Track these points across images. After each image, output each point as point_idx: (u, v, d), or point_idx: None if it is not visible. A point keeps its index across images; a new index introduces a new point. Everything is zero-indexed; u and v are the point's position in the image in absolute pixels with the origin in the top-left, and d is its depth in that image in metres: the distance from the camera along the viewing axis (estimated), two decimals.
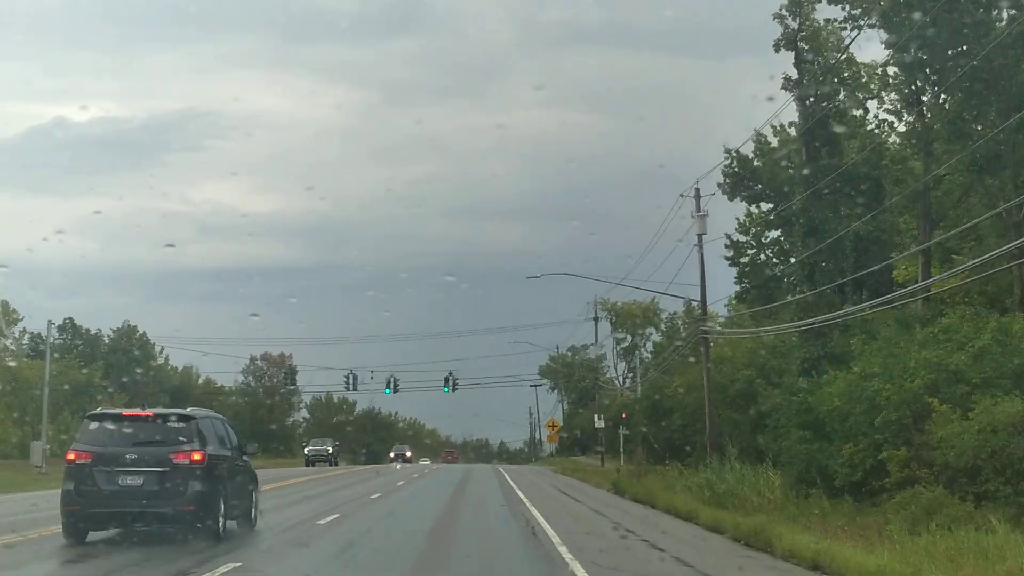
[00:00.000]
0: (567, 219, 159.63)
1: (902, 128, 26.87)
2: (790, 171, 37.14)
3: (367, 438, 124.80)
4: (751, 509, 22.47)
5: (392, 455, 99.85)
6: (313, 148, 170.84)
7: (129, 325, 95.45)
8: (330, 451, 78.07)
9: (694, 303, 39.03)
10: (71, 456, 17.15)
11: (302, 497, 31.09)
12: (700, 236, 36.86)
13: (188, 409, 19.19)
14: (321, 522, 22.31)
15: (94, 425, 17.57)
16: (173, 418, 17.73)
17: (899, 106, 26.74)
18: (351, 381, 78.33)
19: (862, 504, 20.81)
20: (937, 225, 26.26)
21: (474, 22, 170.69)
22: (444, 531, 21.11)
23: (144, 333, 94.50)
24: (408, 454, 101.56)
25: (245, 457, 20.24)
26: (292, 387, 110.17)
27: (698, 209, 36.69)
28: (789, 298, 36.13)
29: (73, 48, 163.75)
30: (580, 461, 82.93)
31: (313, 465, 72.28)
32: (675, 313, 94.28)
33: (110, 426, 17.42)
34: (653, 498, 28.21)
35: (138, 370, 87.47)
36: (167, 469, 16.77)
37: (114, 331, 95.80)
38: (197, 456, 16.96)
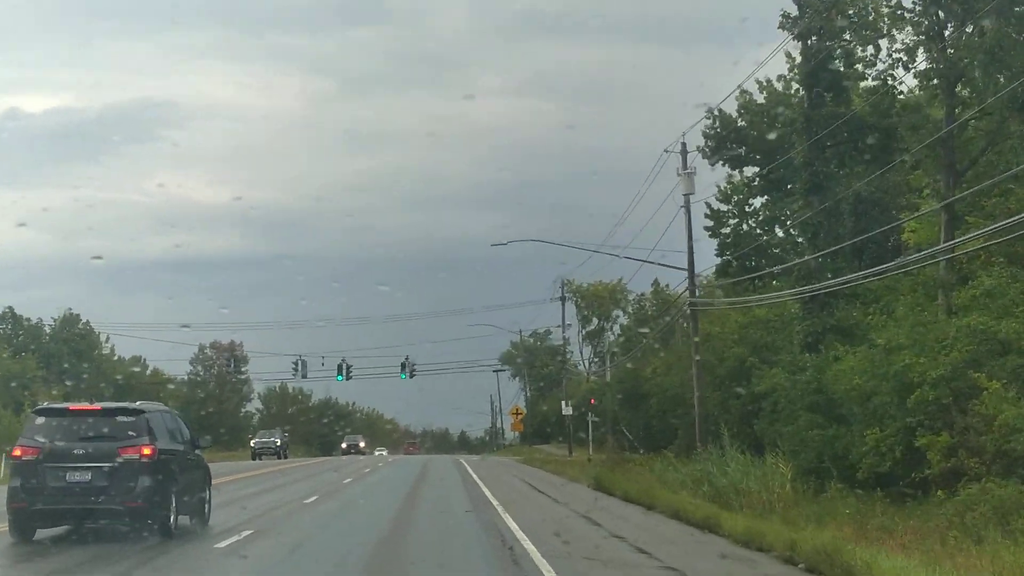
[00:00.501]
0: (531, 208, 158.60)
1: (921, 65, 24.23)
2: (780, 128, 34.91)
3: (322, 429, 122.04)
4: (760, 507, 19.88)
5: (344, 446, 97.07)
6: (272, 138, 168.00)
7: (71, 313, 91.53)
8: (278, 443, 74.61)
9: (680, 271, 36.13)
10: (17, 452, 16.99)
11: (219, 503, 21.86)
12: (687, 196, 34.10)
13: (137, 403, 18.70)
14: (223, 545, 16.92)
15: (41, 420, 17.35)
16: (122, 412, 17.52)
17: (913, 44, 24.21)
18: (300, 367, 75.15)
19: (895, 499, 18.67)
20: (961, 178, 24.03)
21: (434, 11, 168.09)
22: (392, 552, 16.31)
23: (88, 322, 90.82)
24: (361, 444, 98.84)
25: (197, 451, 19.93)
26: (241, 375, 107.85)
27: (684, 166, 33.90)
28: (776, 268, 33.77)
29: (28, 38, 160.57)
30: (545, 451, 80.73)
31: (260, 459, 68.75)
32: (642, 294, 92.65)
33: (57, 421, 17.15)
34: (651, 498, 23.78)
35: (83, 363, 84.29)
36: (116, 464, 16.50)
37: (55, 320, 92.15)
38: (147, 451, 16.71)
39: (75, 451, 16.51)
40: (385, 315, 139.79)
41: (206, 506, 19.65)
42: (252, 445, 74.76)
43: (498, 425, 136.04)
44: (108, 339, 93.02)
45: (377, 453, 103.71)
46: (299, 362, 75.04)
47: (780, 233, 43.15)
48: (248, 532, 18.33)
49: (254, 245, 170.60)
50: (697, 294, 36.41)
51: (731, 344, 34.65)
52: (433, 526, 20.46)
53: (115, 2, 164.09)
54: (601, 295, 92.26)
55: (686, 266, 34.94)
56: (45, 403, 19.22)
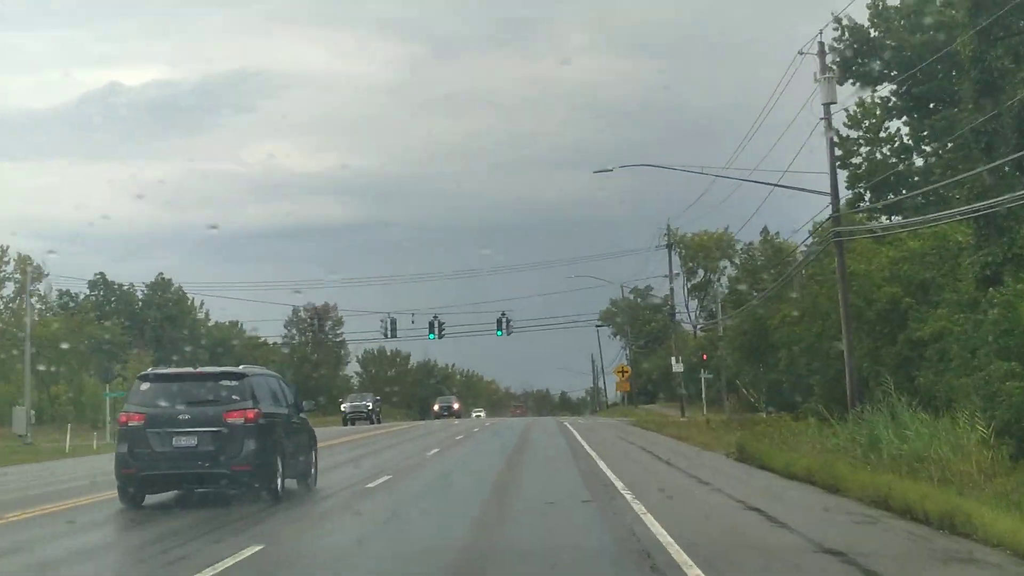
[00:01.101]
0: (620, 168, 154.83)
1: None
2: (927, 31, 30.97)
3: (422, 391, 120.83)
4: (963, 482, 15.47)
5: (436, 408, 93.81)
6: (367, 106, 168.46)
7: (163, 278, 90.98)
8: (370, 407, 72.14)
9: (815, 201, 32.29)
10: (123, 418, 17.28)
11: None
12: (827, 106, 28.81)
13: (240, 366, 19.00)
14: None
15: (145, 386, 17.53)
16: (226, 376, 17.77)
17: None
18: (388, 326, 72.77)
19: None
20: None
21: None
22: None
23: (180, 287, 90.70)
24: (455, 406, 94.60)
25: (302, 415, 20.23)
26: (337, 338, 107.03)
27: (822, 70, 28.61)
28: (944, 183, 29.86)
29: (123, 11, 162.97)
30: (654, 411, 77.55)
31: (353, 423, 66.84)
32: (751, 244, 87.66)
33: (162, 386, 17.40)
34: (832, 476, 17.60)
35: (176, 329, 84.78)
36: (221, 428, 16.72)
37: (147, 285, 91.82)
38: (251, 414, 16.93)
39: (180, 416, 16.76)
40: (480, 268, 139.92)
41: (312, 469, 20.06)
42: (343, 410, 71.74)
43: (600, 384, 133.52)
44: (202, 304, 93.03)
45: (474, 415, 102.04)
46: (387, 320, 72.91)
47: (920, 161, 39.59)
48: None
49: (355, 212, 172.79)
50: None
51: (880, 283, 30.48)
52: (539, 525, 13.88)
53: None
54: (707, 245, 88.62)
55: (825, 190, 29.90)
56: (150, 369, 19.49)
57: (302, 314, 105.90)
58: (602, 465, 23.76)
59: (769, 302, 44.23)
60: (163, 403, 16.97)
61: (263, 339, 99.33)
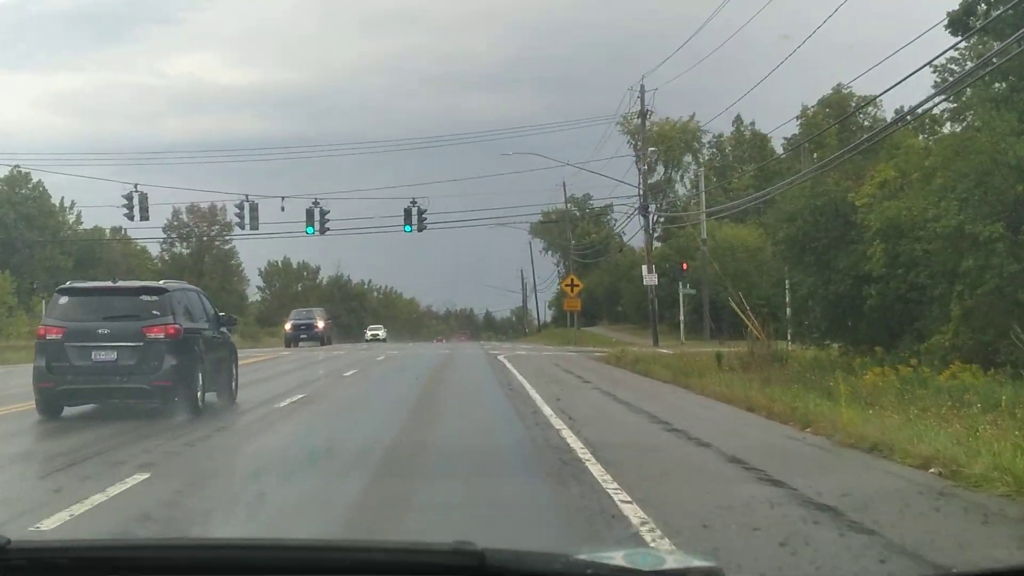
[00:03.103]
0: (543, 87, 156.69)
1: None
2: None
3: (336, 310, 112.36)
4: None
5: (368, 336, 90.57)
6: (292, 18, 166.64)
7: (19, 171, 78.31)
8: (321, 326, 64.26)
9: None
10: (41, 332, 18.12)
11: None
12: None
13: (161, 281, 20.09)
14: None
15: (64, 299, 18.39)
16: (145, 291, 18.65)
17: None
18: (247, 213, 53.36)
19: None
20: None
21: None
22: None
23: (40, 181, 79.23)
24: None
25: (223, 329, 21.19)
26: (227, 245, 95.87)
27: None
28: None
29: None
30: (602, 336, 66.37)
31: (296, 345, 59.74)
32: (720, 136, 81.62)
33: (80, 300, 18.31)
34: None
35: (35, 231, 75.62)
36: (141, 343, 17.56)
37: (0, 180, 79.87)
38: (171, 329, 17.79)
39: (100, 331, 17.56)
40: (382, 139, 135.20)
41: (232, 383, 21.09)
42: (287, 329, 63.28)
43: (530, 305, 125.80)
44: (72, 205, 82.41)
45: (369, 335, 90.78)
46: (245, 205, 53.18)
47: None
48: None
49: (275, 127, 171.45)
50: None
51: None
52: None
53: None
54: (669, 136, 77.15)
55: None
56: (68, 283, 19.85)
57: (183, 216, 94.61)
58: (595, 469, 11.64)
59: (841, 172, 30.70)
60: (82, 317, 17.70)
61: (139, 244, 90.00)
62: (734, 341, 34.19)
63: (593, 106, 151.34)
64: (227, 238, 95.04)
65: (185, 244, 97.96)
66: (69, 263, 77.58)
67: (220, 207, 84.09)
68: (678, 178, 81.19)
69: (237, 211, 54.04)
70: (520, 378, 27.54)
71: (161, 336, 17.50)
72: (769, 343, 28.46)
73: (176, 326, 17.74)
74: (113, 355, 17.35)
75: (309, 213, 53.33)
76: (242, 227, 55.16)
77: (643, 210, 56.76)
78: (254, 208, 53.27)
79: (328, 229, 55.08)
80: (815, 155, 36.87)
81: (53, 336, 17.55)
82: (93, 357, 17.34)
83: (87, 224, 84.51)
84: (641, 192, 57.26)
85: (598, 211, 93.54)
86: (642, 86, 54.88)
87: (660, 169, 78.83)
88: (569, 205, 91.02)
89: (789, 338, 33.34)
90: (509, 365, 33.81)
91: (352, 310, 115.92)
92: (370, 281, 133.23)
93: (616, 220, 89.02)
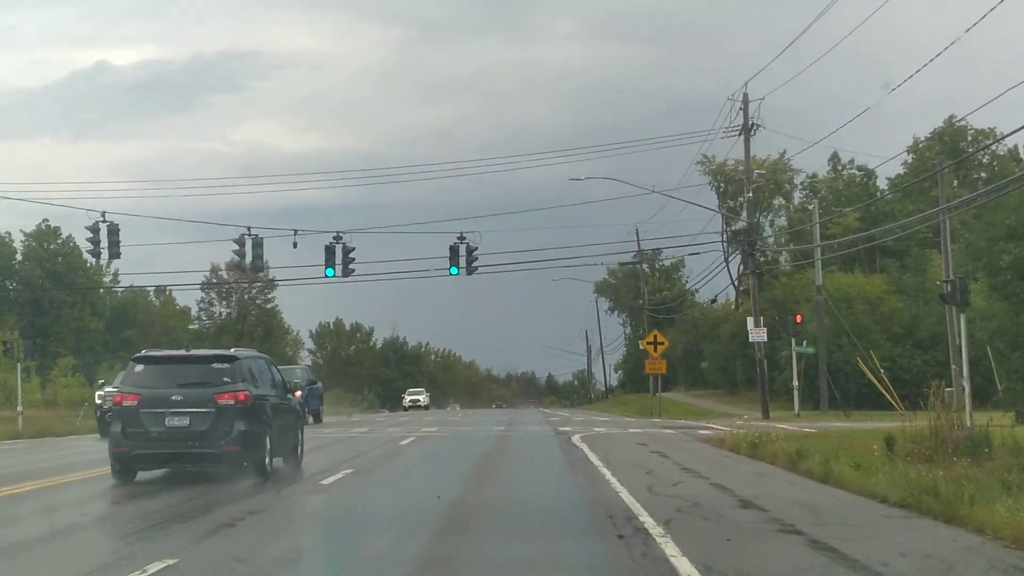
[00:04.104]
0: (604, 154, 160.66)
1: None
2: None
3: (391, 373, 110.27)
4: None
5: (407, 402, 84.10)
6: (353, 87, 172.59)
7: (47, 226, 75.98)
8: (427, 402, 65.79)
9: None
10: (117, 399, 19.54)
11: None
12: None
13: (232, 349, 21.16)
14: None
15: (139, 367, 19.59)
16: (217, 359, 19.74)
17: None
18: (244, 249, 44.19)
19: None
20: None
21: None
22: None
23: (71, 236, 75.03)
24: (422, 400, 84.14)
25: (289, 396, 22.33)
26: (269, 303, 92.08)
27: None
28: None
29: None
30: (687, 404, 59.38)
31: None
32: (814, 176, 74.49)
33: (155, 368, 19.47)
34: None
35: (63, 288, 72.92)
36: (213, 409, 18.67)
37: (26, 235, 76.71)
38: (241, 396, 18.85)
39: (173, 397, 18.76)
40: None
41: (299, 448, 22.42)
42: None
43: (593, 368, 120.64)
44: (109, 263, 79.99)
45: (408, 400, 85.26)
46: (243, 239, 43.91)
47: None
48: None
49: (339, 194, 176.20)
50: None
51: None
52: None
53: None
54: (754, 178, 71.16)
55: None
56: (144, 351, 20.85)
57: (223, 273, 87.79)
58: None
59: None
60: (156, 384, 18.88)
61: (180, 305, 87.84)
62: (867, 412, 28.39)
63: (657, 169, 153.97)
64: (269, 296, 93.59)
65: (225, 303, 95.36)
66: (100, 324, 75.90)
67: (264, 261, 75.10)
68: (768, 223, 74.24)
69: (235, 248, 44.97)
70: (617, 486, 16.62)
71: (232, 402, 18.59)
72: (959, 419, 19.47)
73: (246, 392, 18.83)
74: (186, 421, 18.49)
75: (329, 250, 44.76)
76: (243, 269, 50.18)
77: (748, 247, 48.06)
78: (258, 244, 44.31)
79: (352, 270, 45.63)
80: (955, 183, 33.64)
81: (129, 403, 18.84)
82: (167, 423, 18.50)
83: (124, 283, 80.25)
84: (751, 242, 48.14)
85: (669, 266, 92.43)
86: (745, 95, 46.13)
87: (743, 213, 69.48)
88: (636, 259, 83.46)
89: (968, 407, 22.95)
90: (591, 455, 24.12)
91: (408, 374, 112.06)
92: (427, 344, 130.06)
93: (688, 276, 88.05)
